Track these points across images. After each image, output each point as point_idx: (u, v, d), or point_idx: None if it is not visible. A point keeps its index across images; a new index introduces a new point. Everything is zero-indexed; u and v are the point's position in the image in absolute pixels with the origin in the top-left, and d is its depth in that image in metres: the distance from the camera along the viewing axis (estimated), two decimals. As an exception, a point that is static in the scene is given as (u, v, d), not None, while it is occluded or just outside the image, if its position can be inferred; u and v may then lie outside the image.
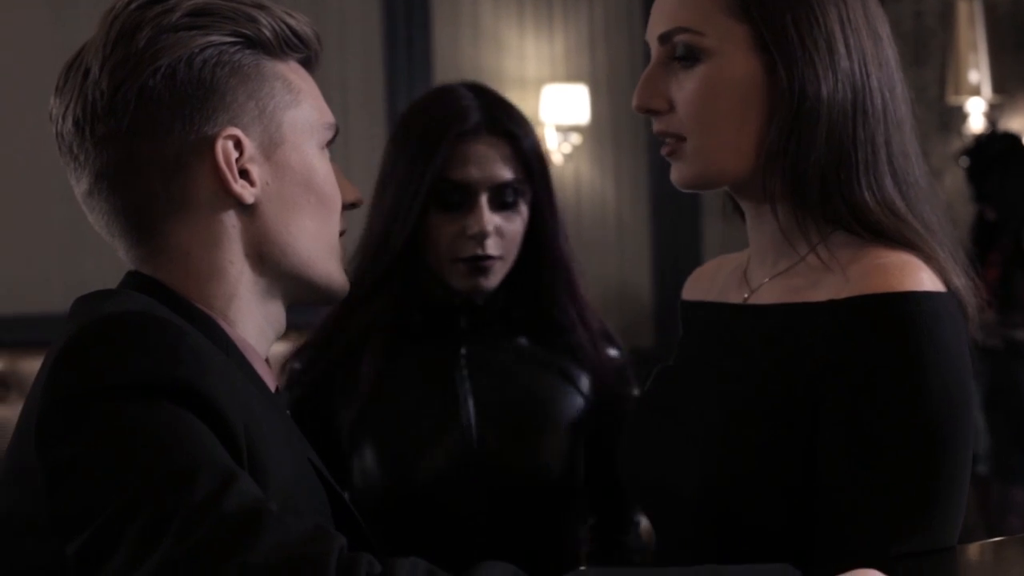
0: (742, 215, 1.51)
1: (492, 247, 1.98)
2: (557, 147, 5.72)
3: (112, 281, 1.32)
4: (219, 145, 1.26)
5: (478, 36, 5.67)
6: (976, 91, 5.76)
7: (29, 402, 1.17)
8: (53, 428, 1.11)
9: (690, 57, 1.40)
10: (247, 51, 1.29)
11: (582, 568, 1.14)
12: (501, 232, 1.99)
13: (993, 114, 5.80)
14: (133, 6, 1.26)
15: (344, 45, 5.31)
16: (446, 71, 5.50)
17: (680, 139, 1.42)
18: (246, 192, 1.27)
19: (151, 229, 1.28)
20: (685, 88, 1.41)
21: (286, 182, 1.30)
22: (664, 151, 1.44)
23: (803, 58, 1.37)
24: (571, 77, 5.79)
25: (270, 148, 1.29)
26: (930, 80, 5.90)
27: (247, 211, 1.28)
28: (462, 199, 1.98)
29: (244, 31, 1.28)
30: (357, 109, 5.24)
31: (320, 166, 1.33)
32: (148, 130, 1.25)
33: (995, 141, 5.20)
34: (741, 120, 1.39)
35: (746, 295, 1.49)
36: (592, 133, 5.83)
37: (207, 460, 1.08)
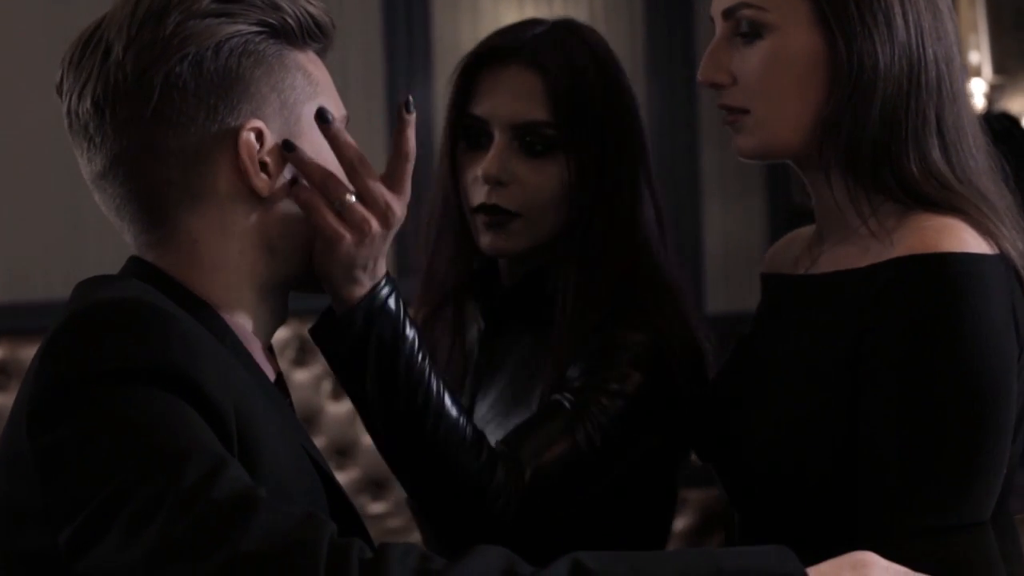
0: None
1: (499, 197, 1.65)
2: (557, 131, 5.71)
3: (113, 268, 1.32)
4: (243, 138, 1.25)
5: (478, 21, 5.65)
6: (977, 72, 5.74)
7: (22, 389, 1.16)
8: (43, 415, 1.11)
9: (753, 32, 1.44)
10: (271, 41, 1.28)
11: (577, 552, 1.13)
12: (522, 183, 1.65)
13: (994, 95, 5.78)
14: None
15: (343, 29, 5.28)
16: (446, 56, 5.48)
17: (742, 112, 1.46)
18: (265, 185, 1.27)
19: (163, 216, 1.27)
20: (748, 62, 1.45)
21: (301, 175, 1.30)
22: (727, 120, 1.48)
23: (862, 32, 1.40)
24: (571, 61, 5.78)
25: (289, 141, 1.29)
26: (930, 62, 5.87)
27: (262, 203, 1.28)
28: (481, 138, 1.68)
29: (270, 20, 1.27)
30: (357, 95, 5.23)
31: (331, 159, 1.32)
32: (171, 118, 1.24)
33: (992, 122, 5.17)
34: (802, 93, 1.43)
35: (807, 266, 1.52)
36: (592, 117, 5.81)
37: (197, 446, 1.08)
